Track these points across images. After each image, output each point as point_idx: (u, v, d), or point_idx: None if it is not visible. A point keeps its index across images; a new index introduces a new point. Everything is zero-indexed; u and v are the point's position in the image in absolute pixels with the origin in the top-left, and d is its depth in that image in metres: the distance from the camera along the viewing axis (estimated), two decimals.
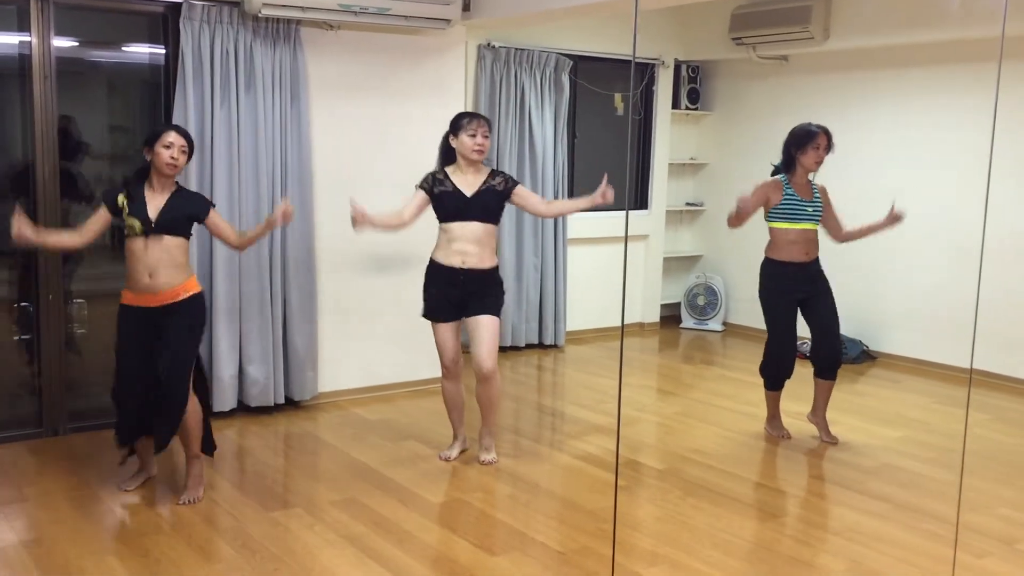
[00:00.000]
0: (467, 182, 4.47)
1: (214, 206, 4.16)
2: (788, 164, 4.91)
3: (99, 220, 3.98)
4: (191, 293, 4.02)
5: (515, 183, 4.56)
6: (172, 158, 3.91)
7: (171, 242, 3.94)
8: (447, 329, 4.57)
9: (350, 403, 5.68)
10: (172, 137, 3.92)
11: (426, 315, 4.61)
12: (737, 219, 4.80)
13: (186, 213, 4.02)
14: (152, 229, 3.90)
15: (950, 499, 4.26)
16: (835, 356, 5.01)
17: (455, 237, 4.45)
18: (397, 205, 4.55)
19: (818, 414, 5.13)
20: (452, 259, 4.44)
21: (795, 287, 4.91)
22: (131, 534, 3.77)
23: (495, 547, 3.71)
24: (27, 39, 4.69)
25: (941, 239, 6.71)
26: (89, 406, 5.02)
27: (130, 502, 4.08)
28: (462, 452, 4.77)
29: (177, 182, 4.06)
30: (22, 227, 3.84)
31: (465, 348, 4.67)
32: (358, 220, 4.35)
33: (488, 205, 4.45)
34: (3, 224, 5.05)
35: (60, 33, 4.77)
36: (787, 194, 4.87)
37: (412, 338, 5.75)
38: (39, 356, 4.88)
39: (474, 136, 4.41)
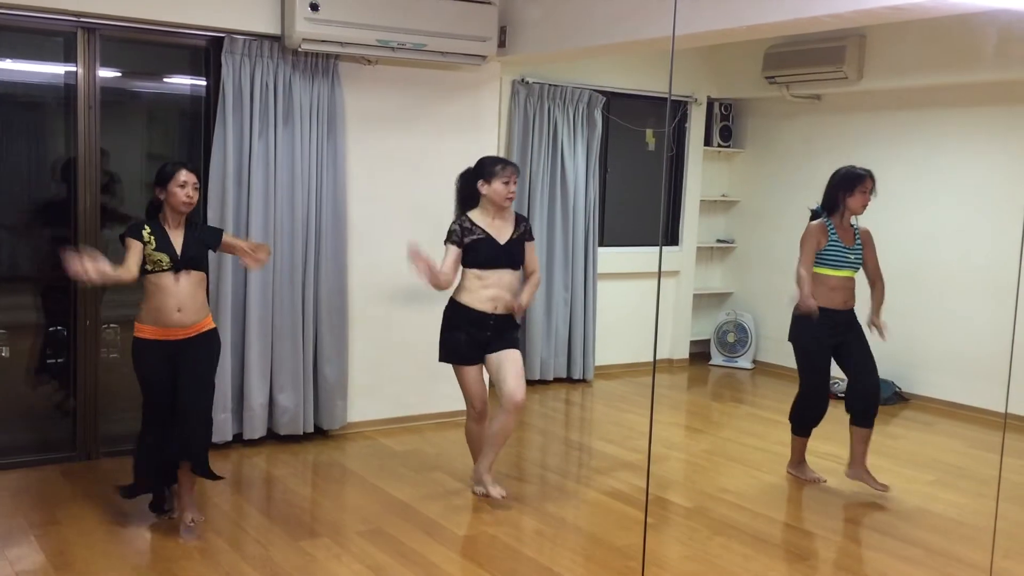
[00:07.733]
0: (497, 228, 4.45)
1: (223, 231, 4.25)
2: (832, 207, 4.80)
3: (137, 253, 3.89)
4: (212, 327, 4.13)
5: (531, 237, 4.60)
6: (188, 196, 3.96)
7: (196, 277, 4.02)
8: (475, 372, 4.53)
9: (378, 433, 5.70)
10: (185, 176, 3.96)
11: (448, 359, 4.53)
12: (803, 295, 4.68)
13: (205, 244, 4.08)
14: (181, 264, 3.96)
15: (983, 545, 4.20)
16: (874, 401, 4.86)
17: (490, 284, 4.42)
18: (430, 243, 4.46)
19: (859, 466, 4.91)
20: (484, 305, 4.42)
21: (831, 334, 4.80)
22: (161, 560, 3.80)
23: None
24: (72, 69, 4.80)
25: (975, 281, 6.65)
26: (122, 431, 5.07)
27: (160, 528, 4.11)
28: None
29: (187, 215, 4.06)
30: (83, 264, 3.66)
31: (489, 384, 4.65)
32: (415, 256, 4.22)
33: (518, 253, 4.51)
34: (38, 253, 5.20)
35: (105, 64, 4.88)
36: (832, 239, 4.77)
37: (440, 370, 5.69)
38: (74, 381, 4.96)
39: (507, 184, 4.40)
